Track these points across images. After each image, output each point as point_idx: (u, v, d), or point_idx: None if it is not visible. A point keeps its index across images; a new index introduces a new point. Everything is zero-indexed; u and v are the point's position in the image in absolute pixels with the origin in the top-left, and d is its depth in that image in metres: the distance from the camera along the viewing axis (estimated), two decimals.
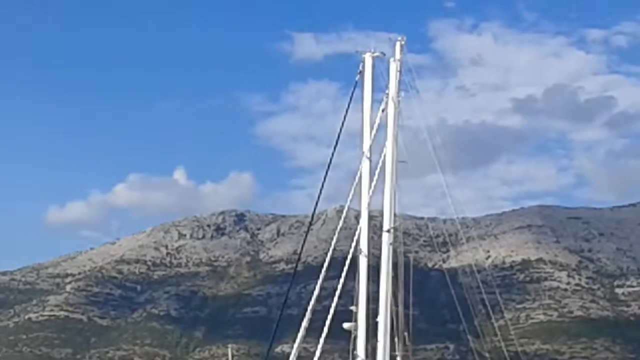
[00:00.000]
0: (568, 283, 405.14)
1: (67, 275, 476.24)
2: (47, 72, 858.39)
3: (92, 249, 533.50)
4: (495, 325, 43.25)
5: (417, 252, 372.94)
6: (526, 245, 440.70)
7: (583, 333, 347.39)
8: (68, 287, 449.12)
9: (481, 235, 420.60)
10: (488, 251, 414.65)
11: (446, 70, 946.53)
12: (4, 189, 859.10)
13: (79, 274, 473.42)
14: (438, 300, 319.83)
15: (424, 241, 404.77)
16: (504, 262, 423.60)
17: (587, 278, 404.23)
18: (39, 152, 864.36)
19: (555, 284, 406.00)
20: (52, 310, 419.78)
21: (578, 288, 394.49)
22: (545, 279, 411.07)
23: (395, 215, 29.07)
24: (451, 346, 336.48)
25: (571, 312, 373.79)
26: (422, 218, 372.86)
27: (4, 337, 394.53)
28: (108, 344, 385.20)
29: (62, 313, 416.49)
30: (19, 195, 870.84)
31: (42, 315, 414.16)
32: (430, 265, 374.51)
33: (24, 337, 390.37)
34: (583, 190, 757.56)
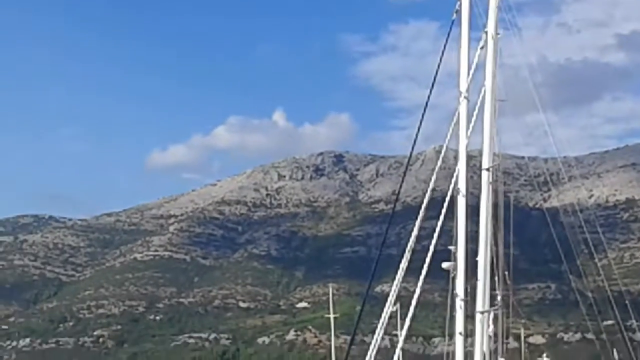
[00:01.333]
0: None
1: (170, 216, 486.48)
2: (156, 19, 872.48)
3: (193, 190, 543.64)
4: (598, 264, 42.72)
5: (517, 191, 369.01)
6: (630, 184, 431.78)
7: None
8: (171, 228, 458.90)
9: (584, 174, 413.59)
10: (591, 190, 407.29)
11: (548, 7, 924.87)
12: (110, 133, 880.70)
13: (182, 215, 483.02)
14: (539, 239, 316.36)
15: (525, 180, 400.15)
16: (607, 201, 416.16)
17: None
18: (142, 97, 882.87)
19: None
20: (156, 250, 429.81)
21: None
22: None
23: (494, 154, 28.72)
24: (552, 286, 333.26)
25: None
26: (522, 157, 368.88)
27: (110, 276, 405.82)
28: (211, 284, 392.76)
29: (166, 253, 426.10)
30: (123, 139, 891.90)
31: (146, 255, 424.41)
32: (531, 204, 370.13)
33: (130, 276, 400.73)
34: None
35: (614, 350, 65.79)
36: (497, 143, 29.04)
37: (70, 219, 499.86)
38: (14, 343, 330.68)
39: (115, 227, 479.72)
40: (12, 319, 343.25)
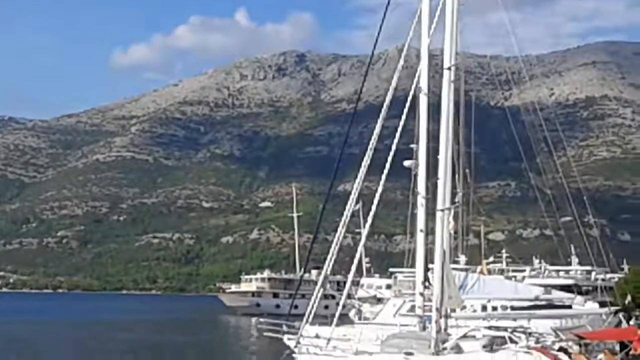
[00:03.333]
0: (633, 120, 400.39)
1: (131, 117, 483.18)
2: None
3: (155, 90, 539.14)
4: (557, 162, 43.17)
5: (479, 90, 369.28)
6: (591, 82, 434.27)
7: None
8: (133, 129, 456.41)
9: (545, 72, 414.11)
10: (552, 89, 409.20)
11: None
12: (69, 33, 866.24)
13: (143, 115, 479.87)
14: (499, 138, 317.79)
15: (486, 79, 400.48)
16: (567, 100, 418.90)
17: None
18: None
19: (619, 120, 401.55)
20: (118, 151, 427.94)
21: None
22: (610, 115, 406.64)
23: (456, 52, 28.68)
24: (512, 183, 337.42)
25: (635, 148, 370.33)
26: (484, 56, 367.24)
27: (73, 177, 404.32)
28: (174, 184, 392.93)
29: (129, 154, 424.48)
30: (83, 39, 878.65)
31: (109, 157, 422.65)
32: (492, 103, 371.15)
33: (93, 177, 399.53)
34: None
35: (571, 245, 67.17)
36: (459, 42, 28.97)
37: (30, 120, 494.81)
38: None
39: (77, 128, 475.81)
40: None
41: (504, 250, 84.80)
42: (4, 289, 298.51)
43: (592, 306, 43.24)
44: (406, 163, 30.91)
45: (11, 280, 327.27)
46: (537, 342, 27.02)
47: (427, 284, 29.50)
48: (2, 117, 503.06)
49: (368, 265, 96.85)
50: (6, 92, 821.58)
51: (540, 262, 76.55)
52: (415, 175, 29.57)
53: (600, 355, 25.82)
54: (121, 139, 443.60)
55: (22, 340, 58.96)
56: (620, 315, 34.74)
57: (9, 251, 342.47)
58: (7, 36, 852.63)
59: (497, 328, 29.36)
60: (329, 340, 27.83)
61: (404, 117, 29.06)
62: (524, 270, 74.20)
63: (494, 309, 42.47)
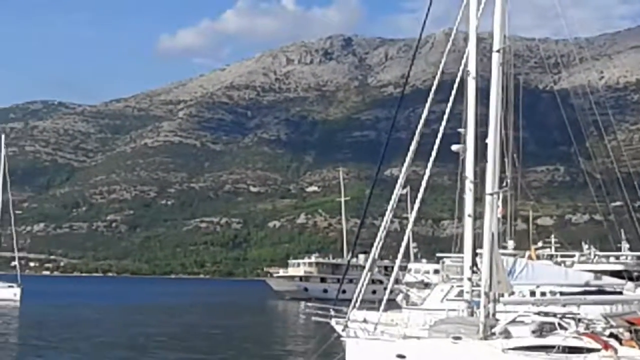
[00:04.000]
0: None
1: (179, 101, 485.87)
2: None
3: (202, 75, 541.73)
4: (608, 146, 42.63)
5: (527, 73, 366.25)
6: None
7: None
8: (180, 114, 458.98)
9: (595, 55, 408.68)
10: (601, 72, 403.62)
11: None
12: (117, 20, 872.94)
13: (191, 100, 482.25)
14: (548, 122, 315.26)
15: (535, 62, 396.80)
16: (617, 83, 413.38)
17: None
18: None
19: None
20: (166, 135, 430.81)
21: None
22: None
23: (505, 35, 28.39)
24: (561, 168, 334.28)
25: None
26: (533, 39, 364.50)
27: (122, 161, 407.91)
28: (221, 168, 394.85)
29: (176, 138, 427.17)
30: (131, 25, 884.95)
31: (157, 141, 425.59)
32: (541, 86, 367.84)
33: (141, 161, 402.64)
34: None
35: (622, 231, 66.40)
36: (507, 24, 28.67)
37: (79, 105, 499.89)
38: (29, 228, 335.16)
39: (125, 113, 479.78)
40: (25, 204, 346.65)
41: (552, 236, 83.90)
42: (55, 273, 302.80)
43: None
44: (454, 147, 30.70)
45: (62, 264, 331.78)
46: (586, 328, 26.78)
47: (475, 269, 29.36)
48: (52, 102, 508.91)
49: (415, 250, 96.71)
50: (56, 78, 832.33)
51: (589, 248, 75.67)
52: (463, 160, 29.38)
53: None
54: (169, 123, 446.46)
55: (81, 324, 59.76)
56: None
57: (59, 235, 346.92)
58: (58, 26, 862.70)
59: (547, 314, 29.14)
60: (376, 325, 27.82)
61: (451, 100, 28.86)
62: (573, 256, 73.39)
63: (543, 294, 42.15)
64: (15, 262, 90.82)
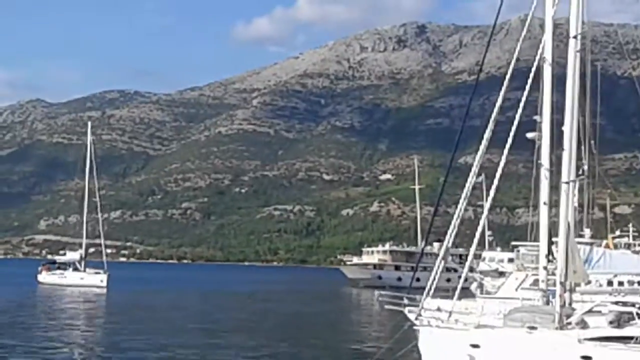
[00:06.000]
0: None
1: (253, 90, 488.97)
2: None
3: (276, 63, 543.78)
4: None
5: (605, 60, 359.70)
6: None
7: None
8: (254, 102, 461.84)
9: None
10: None
11: None
12: (192, 9, 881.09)
13: (265, 88, 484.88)
14: (627, 109, 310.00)
15: (613, 48, 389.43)
16: None
17: None
18: None
19: None
20: (240, 124, 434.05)
21: None
22: None
23: (582, 21, 27.94)
24: None
25: None
26: (611, 24, 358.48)
27: (196, 149, 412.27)
28: (294, 156, 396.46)
29: (250, 127, 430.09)
30: (206, 14, 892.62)
31: (230, 129, 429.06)
32: (619, 73, 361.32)
33: (215, 149, 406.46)
34: None
35: None
36: (585, 10, 28.22)
37: (155, 94, 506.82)
38: (105, 215, 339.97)
39: (200, 102, 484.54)
40: (102, 192, 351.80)
41: (630, 224, 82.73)
42: (132, 260, 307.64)
43: None
44: (529, 135, 30.43)
45: (138, 251, 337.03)
46: None
47: (550, 257, 29.04)
48: (128, 91, 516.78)
49: (491, 238, 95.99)
50: (132, 67, 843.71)
51: None
52: (539, 147, 29.04)
53: None
54: (243, 111, 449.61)
55: (165, 309, 60.92)
56: None
57: (135, 222, 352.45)
58: (134, 17, 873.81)
59: (624, 303, 28.67)
60: (450, 313, 27.68)
61: (527, 88, 28.50)
62: None
63: (620, 284, 41.51)
64: (102, 249, 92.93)
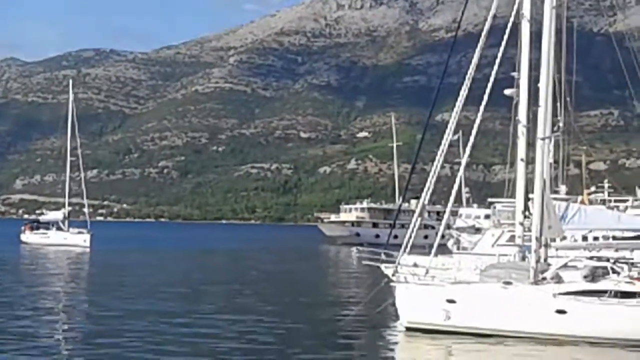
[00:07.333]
0: None
1: (229, 48, 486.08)
2: None
3: (252, 22, 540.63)
4: None
5: (582, 16, 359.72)
6: None
7: None
8: (231, 60, 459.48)
9: None
10: None
11: None
12: None
13: (241, 46, 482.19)
14: (603, 65, 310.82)
15: (590, 5, 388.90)
16: None
17: None
18: None
19: None
20: (217, 82, 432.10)
21: None
22: None
23: None
24: (615, 112, 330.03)
25: None
26: None
27: (173, 108, 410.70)
28: (271, 115, 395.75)
29: (227, 85, 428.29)
30: None
31: (207, 88, 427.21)
32: (595, 29, 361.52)
33: (192, 108, 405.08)
34: None
35: None
36: None
37: (131, 52, 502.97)
38: (82, 174, 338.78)
39: (176, 60, 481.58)
40: (77, 151, 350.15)
41: (605, 180, 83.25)
42: (109, 218, 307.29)
43: None
44: (507, 91, 30.39)
45: (115, 210, 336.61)
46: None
47: (526, 213, 29.27)
48: (103, 49, 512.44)
49: (468, 195, 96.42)
50: (108, 26, 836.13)
51: None
52: (516, 104, 29.13)
53: None
54: (219, 70, 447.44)
55: (147, 267, 61.09)
56: None
57: (112, 181, 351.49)
58: None
59: (599, 258, 29.01)
60: (427, 269, 27.91)
61: (504, 44, 28.51)
62: (626, 200, 72.82)
63: (596, 239, 41.95)
64: (86, 208, 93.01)
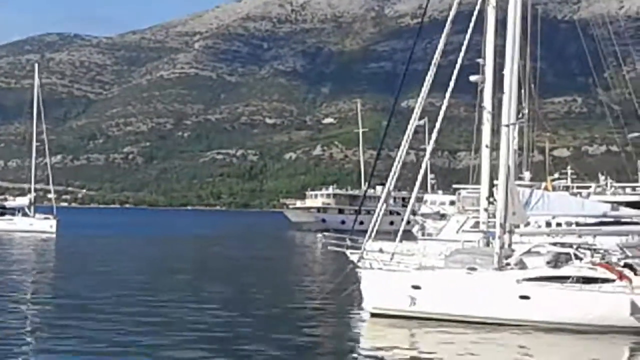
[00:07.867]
0: None
1: (195, 33, 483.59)
2: None
3: (217, 7, 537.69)
4: (626, 76, 42.35)
5: (546, 3, 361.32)
6: None
7: None
8: (196, 45, 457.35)
9: None
10: (621, 1, 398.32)
11: None
12: None
13: (207, 32, 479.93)
14: (567, 52, 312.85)
15: None
16: (637, 13, 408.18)
17: None
18: None
19: None
20: (182, 67, 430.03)
21: None
22: None
23: None
24: (579, 99, 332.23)
25: None
26: None
27: (138, 93, 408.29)
28: (237, 100, 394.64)
29: (192, 70, 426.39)
30: None
31: (173, 73, 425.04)
32: (559, 16, 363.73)
33: (157, 93, 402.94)
34: None
35: (639, 162, 66.20)
36: None
37: (95, 37, 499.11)
38: (46, 160, 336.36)
39: (141, 45, 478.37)
40: (42, 137, 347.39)
41: (569, 167, 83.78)
42: (73, 204, 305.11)
43: None
44: (472, 78, 30.51)
45: (79, 196, 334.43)
46: (602, 258, 26.92)
47: (491, 199, 29.45)
48: (67, 34, 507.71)
49: (432, 181, 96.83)
50: (72, 9, 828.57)
51: (606, 179, 75.47)
52: (481, 91, 29.26)
53: None
54: (184, 55, 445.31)
55: (114, 254, 60.78)
56: None
57: (77, 167, 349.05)
58: None
59: (562, 244, 29.28)
60: (392, 255, 28.02)
61: (469, 31, 28.59)
62: (589, 187, 73.34)
63: (559, 225, 42.29)
64: (52, 194, 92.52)
